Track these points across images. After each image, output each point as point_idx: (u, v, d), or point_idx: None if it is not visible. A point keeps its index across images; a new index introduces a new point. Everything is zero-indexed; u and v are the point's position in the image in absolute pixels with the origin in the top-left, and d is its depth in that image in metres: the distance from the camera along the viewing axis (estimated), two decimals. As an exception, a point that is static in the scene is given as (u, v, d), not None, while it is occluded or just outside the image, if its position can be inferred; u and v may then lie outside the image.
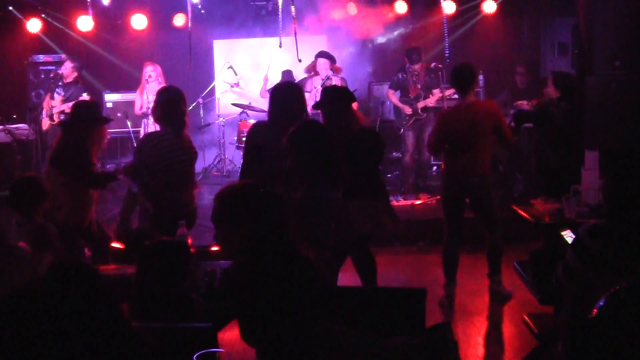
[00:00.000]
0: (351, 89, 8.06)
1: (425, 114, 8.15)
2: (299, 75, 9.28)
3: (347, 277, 5.15)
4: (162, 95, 4.74)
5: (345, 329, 2.67)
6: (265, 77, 9.22)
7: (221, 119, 9.81)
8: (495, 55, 9.91)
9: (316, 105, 4.79)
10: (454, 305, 5.32)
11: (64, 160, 4.84)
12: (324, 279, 2.78)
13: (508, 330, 4.99)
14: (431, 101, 8.08)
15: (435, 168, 9.34)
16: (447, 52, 8.94)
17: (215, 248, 3.83)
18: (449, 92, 7.85)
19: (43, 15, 9.50)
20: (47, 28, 9.62)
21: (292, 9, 8.51)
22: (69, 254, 4.54)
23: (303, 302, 2.62)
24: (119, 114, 9.31)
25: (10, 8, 9.34)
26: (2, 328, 1.86)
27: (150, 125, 7.94)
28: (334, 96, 4.68)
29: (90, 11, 8.94)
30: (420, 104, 8.13)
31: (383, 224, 4.68)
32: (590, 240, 3.01)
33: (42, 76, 9.44)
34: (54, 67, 9.12)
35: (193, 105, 9.68)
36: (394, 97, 8.33)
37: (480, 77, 7.81)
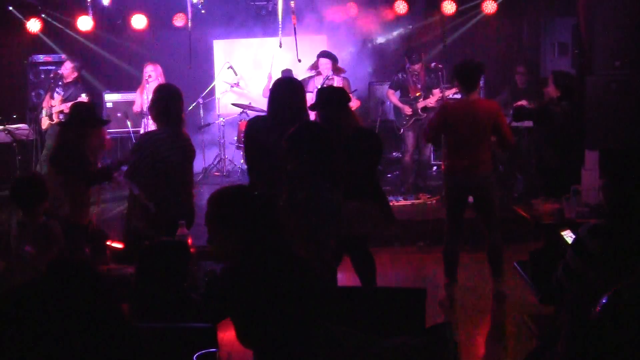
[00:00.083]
0: (352, 88, 8.14)
1: (425, 114, 8.14)
2: (299, 74, 9.28)
3: (347, 277, 5.14)
4: (158, 93, 4.76)
5: (345, 329, 2.67)
6: (269, 75, 9.20)
7: (221, 119, 9.81)
8: (495, 55, 9.91)
9: (312, 107, 4.78)
10: (454, 305, 5.31)
11: (62, 161, 4.86)
12: (321, 280, 2.78)
13: (508, 330, 4.99)
14: (431, 101, 8.08)
15: (435, 168, 9.34)
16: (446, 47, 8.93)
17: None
18: (449, 92, 7.86)
19: (43, 15, 9.49)
20: (47, 28, 9.61)
21: (292, 4, 8.52)
22: (71, 252, 4.55)
23: (300, 303, 2.62)
24: (119, 114, 9.30)
25: (10, 8, 9.33)
26: (2, 326, 1.86)
27: (150, 125, 7.93)
28: (328, 97, 4.67)
29: (90, 11, 8.95)
30: (420, 104, 8.13)
31: (379, 225, 4.67)
32: (590, 240, 3.01)
33: (42, 76, 9.43)
34: (54, 67, 9.11)
35: (193, 105, 9.68)
36: (394, 97, 8.33)
37: (481, 76, 7.80)
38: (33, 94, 9.42)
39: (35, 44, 9.75)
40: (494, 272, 5.35)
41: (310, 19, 9.30)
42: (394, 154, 9.45)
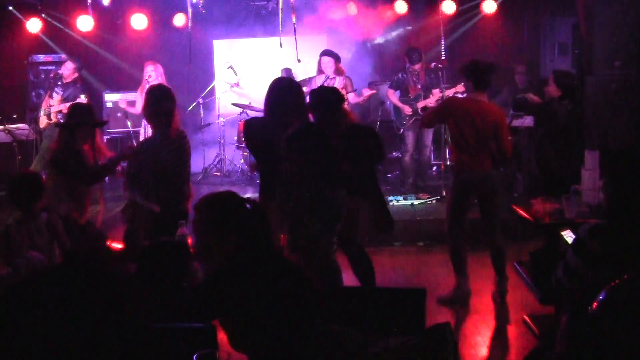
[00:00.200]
0: (354, 88, 8.14)
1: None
2: (298, 73, 9.28)
3: (347, 277, 5.14)
4: (147, 94, 4.85)
5: (345, 329, 2.67)
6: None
7: (221, 119, 9.81)
8: (495, 55, 9.91)
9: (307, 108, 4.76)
10: (451, 304, 5.29)
11: (62, 162, 4.90)
12: (312, 283, 2.78)
13: (508, 330, 4.98)
14: (431, 101, 8.08)
15: (435, 168, 9.34)
16: (444, 52, 8.92)
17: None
18: (449, 92, 7.85)
19: (43, 15, 9.50)
20: (47, 28, 9.62)
21: (292, 0, 8.53)
22: (72, 246, 4.58)
23: (292, 306, 2.62)
24: (118, 114, 9.31)
25: (10, 8, 9.34)
26: (9, 319, 1.84)
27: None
28: (321, 99, 4.66)
29: (90, 11, 8.95)
30: (420, 104, 8.13)
31: (372, 228, 4.65)
32: (590, 240, 3.01)
33: (42, 76, 9.44)
34: (54, 67, 9.12)
35: (193, 105, 9.69)
36: (394, 97, 8.33)
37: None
38: (33, 94, 9.43)
39: (35, 44, 9.76)
40: (497, 272, 5.33)
41: (310, 19, 9.30)
42: (394, 154, 9.45)
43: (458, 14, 9.64)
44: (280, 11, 8.78)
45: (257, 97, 9.47)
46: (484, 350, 4.61)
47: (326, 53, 8.10)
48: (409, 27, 10.10)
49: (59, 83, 8.25)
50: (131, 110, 8.69)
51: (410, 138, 8.27)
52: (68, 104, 6.91)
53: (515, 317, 5.01)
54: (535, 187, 6.89)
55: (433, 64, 8.26)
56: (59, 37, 9.82)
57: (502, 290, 5.30)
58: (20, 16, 9.37)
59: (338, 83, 7.85)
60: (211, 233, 2.70)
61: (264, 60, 10.23)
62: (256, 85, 9.63)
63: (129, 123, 9.11)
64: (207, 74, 10.39)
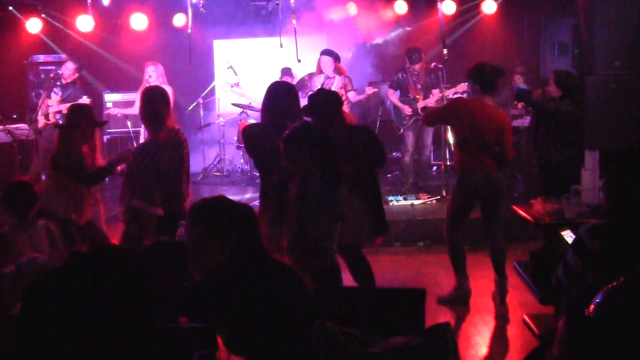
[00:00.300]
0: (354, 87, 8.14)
1: (425, 114, 8.14)
2: (298, 72, 9.28)
3: (347, 277, 5.14)
4: (141, 96, 4.92)
5: (345, 329, 2.67)
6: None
7: (221, 119, 9.81)
8: (495, 55, 9.90)
9: (304, 111, 4.75)
10: (451, 304, 5.30)
11: (61, 163, 4.90)
12: (305, 285, 2.78)
13: (508, 330, 4.98)
14: (431, 101, 8.08)
15: (435, 168, 9.34)
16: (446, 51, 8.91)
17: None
18: (449, 92, 7.85)
19: (43, 15, 9.50)
20: (47, 28, 9.62)
21: (292, 1, 8.53)
22: (69, 248, 4.57)
23: (287, 309, 2.62)
24: (119, 115, 9.31)
25: (10, 8, 9.33)
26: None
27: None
28: (319, 102, 4.65)
29: (90, 11, 8.94)
30: (420, 104, 8.13)
31: (367, 235, 4.63)
32: (590, 240, 3.01)
33: (42, 76, 9.44)
34: (54, 67, 9.12)
35: (193, 105, 9.69)
36: (394, 97, 8.33)
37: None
38: (33, 94, 9.43)
39: (35, 44, 9.76)
40: (497, 272, 5.33)
41: (310, 19, 9.30)
42: (394, 154, 9.46)
43: (458, 14, 9.64)
44: (280, 11, 8.77)
45: (257, 97, 9.46)
46: (484, 350, 4.61)
47: (325, 52, 8.10)
48: (409, 28, 10.09)
49: (58, 83, 8.25)
50: (130, 111, 8.68)
51: (410, 138, 8.26)
52: (67, 105, 6.91)
53: (515, 317, 5.01)
54: (535, 187, 6.88)
55: (433, 64, 8.26)
56: (59, 37, 9.81)
57: (502, 290, 5.30)
58: (20, 16, 9.37)
59: (337, 82, 7.84)
60: (206, 239, 2.70)
61: (264, 60, 10.23)
62: (256, 85, 9.64)
63: (129, 123, 9.11)
64: (207, 74, 10.39)
